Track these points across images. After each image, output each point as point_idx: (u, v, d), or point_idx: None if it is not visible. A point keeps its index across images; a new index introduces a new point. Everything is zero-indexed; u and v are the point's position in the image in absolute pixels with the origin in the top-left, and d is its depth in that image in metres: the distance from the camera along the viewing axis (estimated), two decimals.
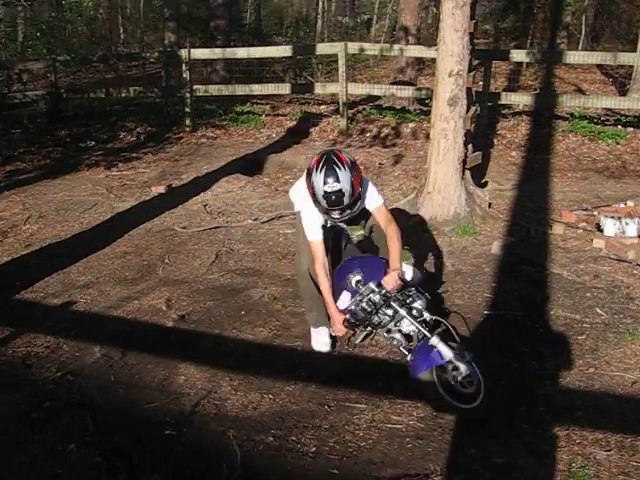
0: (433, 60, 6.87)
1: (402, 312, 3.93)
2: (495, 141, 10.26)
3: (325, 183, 3.84)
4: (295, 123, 11.82)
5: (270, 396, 3.97)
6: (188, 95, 11.87)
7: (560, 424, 3.63)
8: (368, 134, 10.97)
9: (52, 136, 12.04)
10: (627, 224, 6.29)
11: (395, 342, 3.99)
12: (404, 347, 3.98)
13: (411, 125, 11.04)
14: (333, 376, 4.17)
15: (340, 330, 4.15)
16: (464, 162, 6.75)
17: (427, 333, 3.83)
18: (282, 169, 9.32)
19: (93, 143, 11.51)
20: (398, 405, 3.85)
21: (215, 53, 13.04)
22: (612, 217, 6.43)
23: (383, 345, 4.52)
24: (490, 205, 7.04)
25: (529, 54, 11.17)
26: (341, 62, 11.02)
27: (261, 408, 3.86)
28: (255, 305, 5.22)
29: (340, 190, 3.84)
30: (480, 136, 9.82)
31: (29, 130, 12.50)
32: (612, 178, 8.69)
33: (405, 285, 4.10)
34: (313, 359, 4.40)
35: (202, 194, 8.29)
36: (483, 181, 8.15)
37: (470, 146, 6.94)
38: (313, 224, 4.17)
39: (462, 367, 3.72)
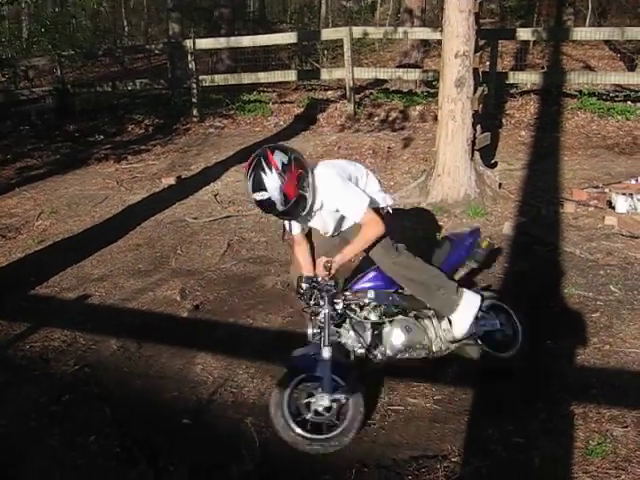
0: (439, 42, 6.85)
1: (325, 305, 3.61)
2: (504, 121, 10.20)
3: (253, 191, 3.45)
4: (302, 110, 11.79)
5: None
6: (194, 85, 11.87)
7: (576, 402, 3.64)
8: (376, 118, 10.93)
9: (60, 131, 12.09)
10: (639, 200, 6.26)
11: None
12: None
13: (419, 108, 10.99)
14: None
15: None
16: (473, 143, 6.73)
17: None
18: None
19: (102, 137, 11.54)
20: (414, 388, 3.88)
21: (220, 42, 13.00)
22: (623, 194, 6.39)
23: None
24: (500, 185, 7.02)
25: (535, 32, 11.07)
26: (346, 47, 10.97)
27: None
28: (268, 293, 5.25)
29: (269, 199, 3.43)
30: (489, 116, 9.77)
31: (37, 126, 12.54)
32: (623, 154, 8.63)
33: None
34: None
35: (212, 184, 8.31)
36: (493, 161, 8.12)
37: (479, 127, 6.92)
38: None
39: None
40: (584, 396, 3.70)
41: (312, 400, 3.42)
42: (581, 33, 11.14)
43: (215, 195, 7.89)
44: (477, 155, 6.89)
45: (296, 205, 3.51)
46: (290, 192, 3.44)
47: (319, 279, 3.66)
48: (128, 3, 26.70)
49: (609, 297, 4.82)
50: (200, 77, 12.05)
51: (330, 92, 12.81)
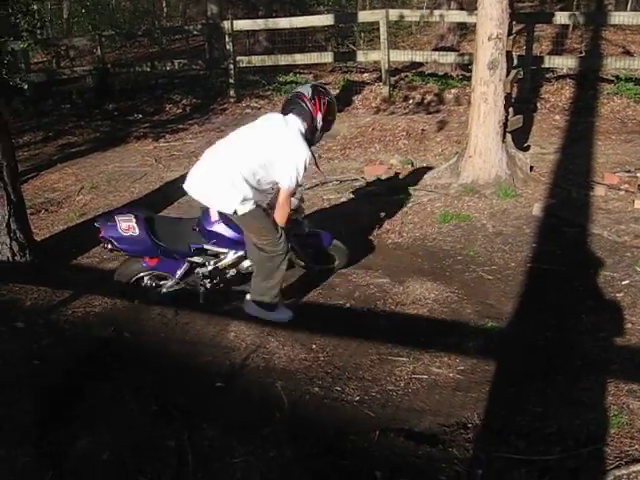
0: (475, 25, 6.90)
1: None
2: (539, 105, 10.19)
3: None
4: (338, 91, 11.87)
5: (315, 350, 4.16)
6: (232, 66, 12.02)
7: (596, 376, 3.74)
8: (411, 101, 10.99)
9: (100, 110, 12.34)
10: None
11: None
12: None
13: (454, 91, 11.02)
14: (376, 332, 4.35)
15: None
16: (505, 125, 6.80)
17: None
18: (326, 137, 9.34)
19: (140, 116, 11.77)
20: (438, 358, 4.01)
21: (257, 24, 13.11)
22: None
23: (424, 304, 4.68)
24: (532, 168, 7.09)
25: (572, 16, 11.01)
26: (382, 29, 11.03)
27: (307, 362, 4.05)
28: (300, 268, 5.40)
29: None
30: (524, 100, 9.79)
31: (78, 105, 12.81)
32: None
33: None
34: (356, 316, 4.58)
35: None
36: (526, 145, 8.17)
37: (511, 109, 6.99)
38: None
39: None
40: (604, 371, 3.79)
41: None
42: (620, 17, 11.03)
43: None
44: (509, 137, 6.96)
45: None
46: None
47: None
48: None
49: (634, 278, 4.91)
50: (237, 58, 12.20)
51: (366, 74, 12.87)
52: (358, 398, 3.65)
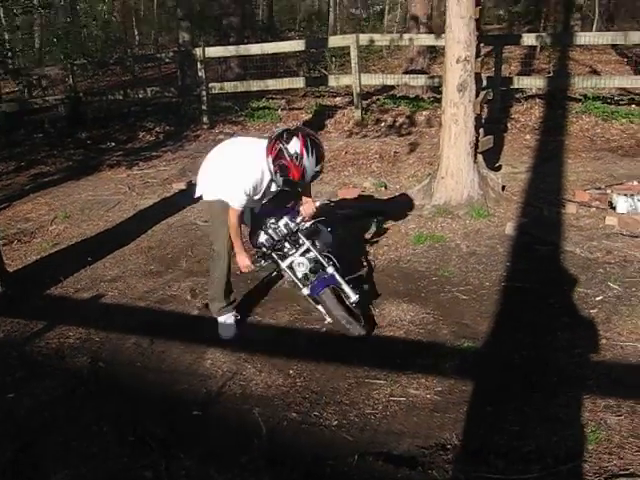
0: (444, 48, 6.99)
1: (306, 242, 4.64)
2: (509, 125, 10.34)
3: (317, 164, 4.33)
4: (311, 116, 11.96)
5: (293, 376, 4.15)
6: (204, 93, 12.06)
7: (572, 393, 3.76)
8: (383, 124, 11.08)
9: (73, 139, 12.30)
10: (639, 201, 6.38)
11: (296, 274, 4.67)
12: (301, 282, 4.66)
13: (425, 113, 11.14)
14: (353, 355, 4.34)
15: (246, 266, 4.67)
16: (476, 146, 6.87)
17: (325, 263, 4.58)
18: None
19: (113, 144, 11.74)
20: (415, 380, 4.01)
21: (229, 50, 13.18)
22: (624, 194, 6.51)
23: (400, 326, 4.69)
24: (503, 188, 7.15)
25: (539, 37, 11.21)
26: (353, 54, 11.14)
27: (284, 387, 4.04)
28: (276, 291, 5.40)
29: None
30: (494, 120, 9.91)
31: (50, 134, 12.76)
32: (626, 157, 8.74)
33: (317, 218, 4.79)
34: (333, 340, 4.57)
35: None
36: (497, 165, 8.25)
37: (481, 130, 7.06)
38: (247, 197, 4.44)
39: (352, 295, 4.51)
40: (580, 387, 3.81)
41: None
42: (586, 38, 11.26)
43: None
44: (480, 158, 7.03)
45: None
46: None
47: (306, 221, 4.75)
48: (138, 13, 27.01)
49: (608, 294, 4.94)
50: (210, 85, 12.24)
51: (338, 98, 12.98)
52: (336, 422, 3.65)
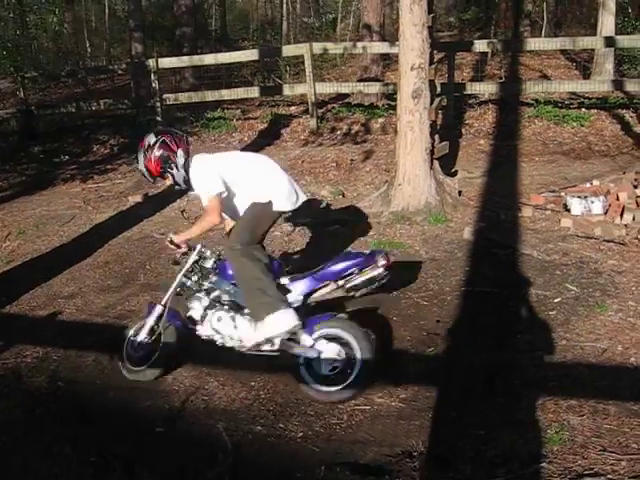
0: (397, 56, 7.04)
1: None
2: (463, 130, 10.44)
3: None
4: (266, 126, 11.93)
5: (256, 388, 4.13)
6: (158, 104, 11.96)
7: (535, 395, 3.81)
8: (339, 132, 11.11)
9: (26, 153, 12.07)
10: (593, 202, 6.48)
11: None
12: None
13: (380, 120, 11.20)
14: None
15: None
16: (432, 152, 6.92)
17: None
18: None
19: (67, 157, 11.55)
20: (379, 388, 4.01)
21: (183, 61, 13.10)
22: (578, 197, 6.61)
23: None
24: (460, 193, 7.22)
25: (490, 44, 11.37)
26: (307, 63, 11.14)
27: (248, 400, 4.01)
28: None
29: (141, 171, 4.42)
30: (448, 126, 10.02)
31: (2, 149, 12.50)
32: (578, 159, 8.90)
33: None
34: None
35: (178, 200, 8.36)
36: (453, 170, 8.32)
37: (437, 136, 7.12)
38: None
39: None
40: (542, 389, 3.87)
41: None
42: (535, 44, 11.46)
43: (182, 211, 7.88)
44: (436, 164, 7.09)
45: (163, 180, 4.39)
46: (151, 168, 4.31)
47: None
48: (90, 24, 26.70)
49: (565, 295, 5.02)
50: (164, 96, 12.13)
51: (293, 107, 12.97)
52: (301, 434, 3.63)
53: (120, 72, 16.32)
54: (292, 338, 4.07)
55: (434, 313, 4.95)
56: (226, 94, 12.20)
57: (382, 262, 4.08)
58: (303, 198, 4.50)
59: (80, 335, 5.01)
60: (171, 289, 4.34)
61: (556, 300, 4.95)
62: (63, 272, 6.33)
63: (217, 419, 3.81)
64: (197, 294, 4.32)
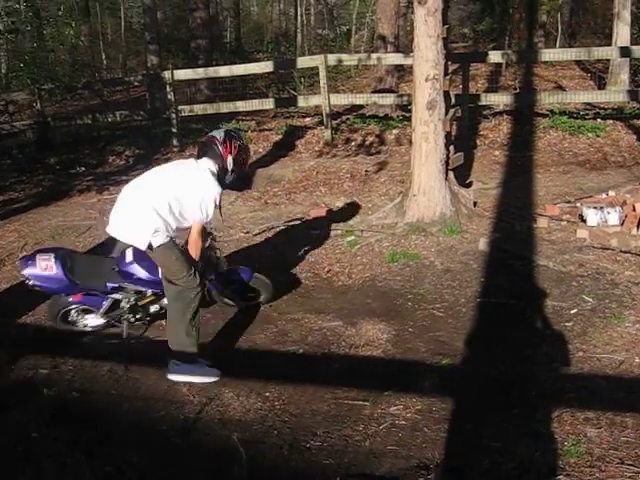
0: (412, 67, 7.04)
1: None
2: (478, 141, 10.43)
3: None
4: (281, 137, 11.96)
5: (271, 399, 4.11)
6: (174, 116, 12.03)
7: (552, 406, 3.78)
8: (353, 143, 11.12)
9: (42, 164, 12.15)
10: (609, 213, 6.46)
11: None
12: None
13: (395, 132, 11.21)
14: (331, 376, 4.32)
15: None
16: (447, 163, 6.91)
17: None
18: (271, 182, 9.48)
19: (83, 169, 11.63)
20: (395, 399, 3.99)
21: (198, 73, 13.18)
22: (594, 207, 6.59)
23: (377, 345, 4.68)
24: (475, 204, 7.20)
25: (504, 55, 11.37)
26: (322, 74, 11.18)
27: (263, 411, 3.99)
28: (251, 314, 5.35)
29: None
30: (463, 137, 10.00)
31: (19, 160, 12.59)
32: (594, 170, 8.86)
33: None
34: (311, 361, 4.55)
35: None
36: (468, 181, 8.31)
37: (452, 147, 7.10)
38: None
39: None
40: (559, 401, 3.84)
41: None
42: (550, 54, 11.48)
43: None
44: (451, 175, 7.07)
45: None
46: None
47: None
48: (106, 37, 26.94)
49: (582, 306, 4.99)
50: (179, 107, 12.21)
51: (308, 119, 13.01)
52: (317, 445, 3.61)
53: (136, 84, 16.41)
54: None
55: (450, 324, 4.93)
56: (241, 106, 12.25)
57: None
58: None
59: (96, 345, 5.01)
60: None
61: (572, 311, 4.92)
62: None
63: (232, 430, 3.80)
64: None
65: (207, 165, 4.50)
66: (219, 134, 4.62)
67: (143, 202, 4.40)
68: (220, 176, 4.52)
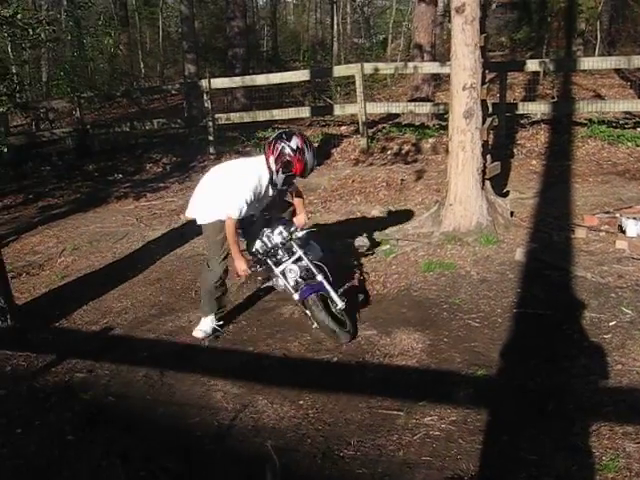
0: (448, 75, 7.02)
1: (299, 251, 5.06)
2: (515, 151, 10.34)
3: (314, 159, 4.91)
4: (317, 145, 11.96)
5: (305, 407, 4.11)
6: (210, 124, 12.14)
7: (589, 420, 3.71)
8: (389, 152, 11.10)
9: (80, 171, 12.36)
10: None
11: (288, 280, 5.06)
12: (293, 288, 5.04)
13: (431, 140, 11.17)
14: (365, 385, 4.30)
15: (244, 270, 5.00)
16: (483, 172, 6.86)
17: (315, 271, 4.97)
18: (306, 190, 9.46)
19: (121, 176, 11.80)
20: (430, 410, 3.96)
21: (235, 81, 13.29)
22: (634, 218, 6.48)
23: (412, 354, 4.65)
24: (512, 214, 7.13)
25: (542, 63, 11.24)
26: (358, 83, 11.20)
27: (296, 419, 3.99)
28: (286, 322, 5.37)
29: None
30: (500, 146, 9.93)
31: (58, 166, 12.83)
32: (633, 180, 8.71)
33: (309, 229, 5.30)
34: (345, 370, 4.54)
35: None
36: (505, 190, 8.23)
37: (489, 156, 7.05)
38: (247, 205, 4.83)
39: (338, 302, 4.87)
40: (597, 414, 3.77)
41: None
42: (589, 63, 11.33)
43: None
44: (488, 184, 7.01)
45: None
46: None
47: (298, 231, 5.19)
48: (144, 46, 27.29)
49: (621, 318, 4.90)
50: (216, 115, 12.32)
51: (344, 127, 13.02)
52: (350, 454, 3.60)
53: (173, 92, 16.64)
54: None
55: (485, 335, 4.87)
56: (277, 114, 12.32)
57: None
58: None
59: (131, 350, 5.07)
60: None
61: (611, 323, 4.84)
62: (115, 288, 6.44)
63: (266, 437, 3.80)
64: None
65: (256, 163, 4.90)
66: (272, 135, 4.91)
67: (210, 186, 5.09)
68: (271, 176, 4.85)
